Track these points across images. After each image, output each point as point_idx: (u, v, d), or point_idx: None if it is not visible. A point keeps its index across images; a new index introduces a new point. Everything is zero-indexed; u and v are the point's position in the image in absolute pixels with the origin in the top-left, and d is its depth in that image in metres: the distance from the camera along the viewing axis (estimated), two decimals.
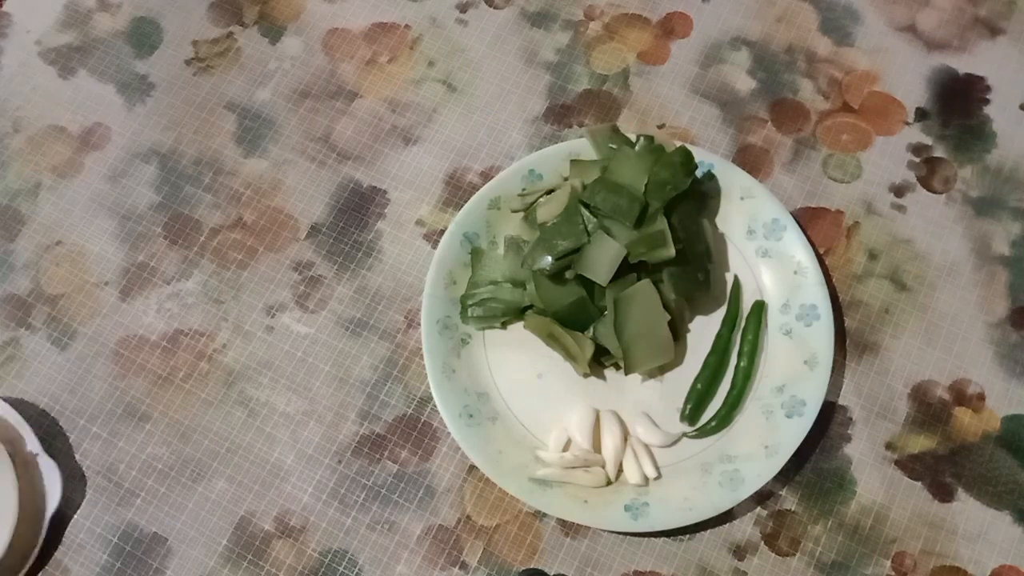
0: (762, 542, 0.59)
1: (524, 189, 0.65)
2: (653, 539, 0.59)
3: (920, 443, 0.61)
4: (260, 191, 0.69)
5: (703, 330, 0.63)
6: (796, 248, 0.63)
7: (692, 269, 0.61)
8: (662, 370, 0.62)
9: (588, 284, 0.59)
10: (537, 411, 0.61)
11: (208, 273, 0.67)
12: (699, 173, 0.63)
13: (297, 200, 0.69)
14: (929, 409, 0.62)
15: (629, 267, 0.59)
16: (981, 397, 0.62)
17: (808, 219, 0.67)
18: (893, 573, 0.58)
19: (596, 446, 0.60)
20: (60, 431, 0.63)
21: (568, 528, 0.59)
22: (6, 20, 0.76)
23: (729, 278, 0.64)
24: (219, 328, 0.65)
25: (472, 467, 0.59)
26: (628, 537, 0.59)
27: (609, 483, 0.59)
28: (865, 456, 0.61)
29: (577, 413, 0.60)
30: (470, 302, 0.62)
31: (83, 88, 0.73)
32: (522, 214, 0.64)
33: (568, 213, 0.60)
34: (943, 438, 0.61)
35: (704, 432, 0.60)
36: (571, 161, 0.64)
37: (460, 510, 0.60)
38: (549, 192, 0.63)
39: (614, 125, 0.66)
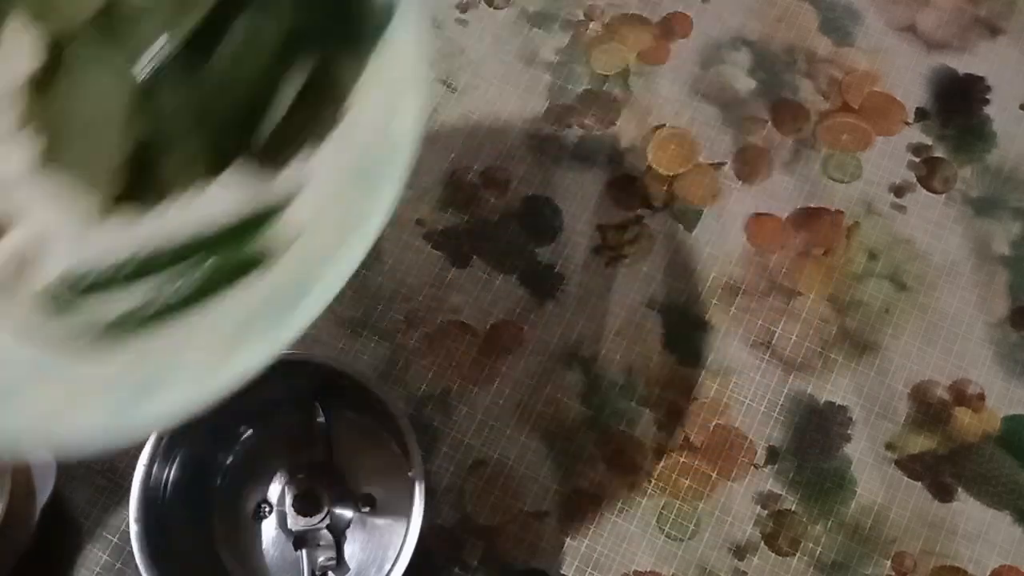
0: (762, 542, 0.59)
1: None
2: (653, 539, 0.59)
3: (920, 443, 0.61)
4: None
5: None
6: None
7: None
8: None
9: None
10: None
11: None
12: None
13: None
14: (929, 409, 0.62)
15: None
16: (981, 397, 0.62)
17: (808, 219, 0.67)
18: (893, 573, 0.58)
19: None
20: None
21: (568, 528, 0.59)
22: None
23: None
24: None
25: (472, 467, 0.59)
26: (628, 537, 0.59)
27: None
28: (865, 456, 0.61)
29: None
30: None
31: None
32: None
33: None
34: (943, 438, 0.61)
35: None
36: None
37: (460, 510, 0.60)
38: None
39: None
